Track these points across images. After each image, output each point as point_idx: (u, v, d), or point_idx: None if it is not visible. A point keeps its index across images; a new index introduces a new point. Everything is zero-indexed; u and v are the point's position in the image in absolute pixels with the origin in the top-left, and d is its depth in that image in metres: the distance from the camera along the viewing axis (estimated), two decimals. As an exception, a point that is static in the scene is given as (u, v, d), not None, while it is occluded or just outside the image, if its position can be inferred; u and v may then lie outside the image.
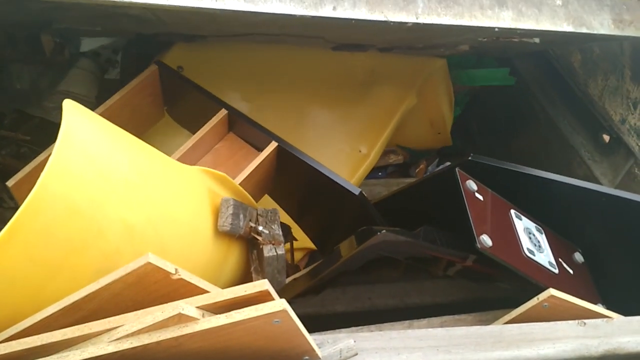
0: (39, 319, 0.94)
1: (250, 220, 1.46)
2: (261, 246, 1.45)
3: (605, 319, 1.37)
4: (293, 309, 0.95)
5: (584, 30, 1.74)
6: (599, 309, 1.42)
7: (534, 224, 1.67)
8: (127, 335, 0.90)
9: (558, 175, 1.69)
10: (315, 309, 1.60)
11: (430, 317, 1.53)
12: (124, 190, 1.13)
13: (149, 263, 0.93)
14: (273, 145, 1.66)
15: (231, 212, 1.40)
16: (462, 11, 1.60)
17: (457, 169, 1.56)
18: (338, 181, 1.60)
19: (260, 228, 1.44)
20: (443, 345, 1.25)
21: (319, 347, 1.12)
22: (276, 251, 1.44)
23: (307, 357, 1.09)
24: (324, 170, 1.62)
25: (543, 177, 1.69)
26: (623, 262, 1.80)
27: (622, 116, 2.05)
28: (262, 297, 0.99)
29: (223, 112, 1.73)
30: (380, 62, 2.30)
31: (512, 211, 1.64)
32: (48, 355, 0.90)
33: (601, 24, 1.77)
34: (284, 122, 2.15)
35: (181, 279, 0.97)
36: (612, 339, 1.33)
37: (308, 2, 1.43)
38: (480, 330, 1.31)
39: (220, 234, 1.40)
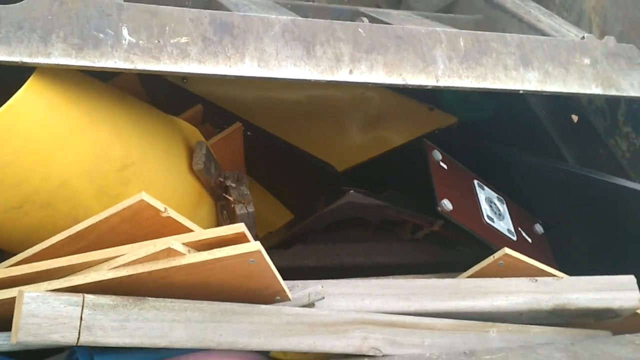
0: (46, 245, 1.06)
1: (219, 176, 1.57)
2: (232, 205, 1.56)
3: (555, 278, 1.52)
4: (265, 260, 1.09)
5: (613, 92, 1.63)
6: (551, 269, 1.56)
7: (496, 195, 1.81)
8: (124, 265, 1.03)
9: (523, 152, 1.82)
10: (287, 262, 1.72)
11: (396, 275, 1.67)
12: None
13: (142, 200, 1.05)
14: (237, 125, 1.78)
15: (204, 152, 1.51)
16: (485, 72, 1.50)
17: (424, 139, 1.68)
18: (314, 154, 1.72)
19: (229, 183, 1.55)
20: (404, 293, 1.38)
21: (290, 290, 1.25)
22: (247, 209, 1.56)
23: (278, 297, 1.22)
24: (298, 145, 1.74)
25: (510, 153, 1.82)
26: (582, 235, 1.95)
27: (589, 97, 2.17)
28: (239, 239, 1.11)
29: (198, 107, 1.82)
30: (391, 102, 2.13)
31: (476, 181, 1.78)
32: (55, 279, 1.02)
33: (631, 85, 1.65)
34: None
35: (169, 217, 1.09)
36: (561, 295, 1.47)
37: (324, 66, 1.37)
38: (438, 282, 1.45)
39: (194, 175, 1.51)
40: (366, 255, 1.82)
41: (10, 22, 1.15)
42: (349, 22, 1.51)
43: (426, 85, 1.45)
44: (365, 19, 1.64)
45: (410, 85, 1.43)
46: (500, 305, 1.44)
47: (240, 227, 1.09)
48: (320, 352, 1.17)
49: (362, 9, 2.01)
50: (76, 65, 1.18)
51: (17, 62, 1.14)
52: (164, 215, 1.09)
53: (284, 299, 1.23)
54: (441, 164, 1.68)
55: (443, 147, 1.75)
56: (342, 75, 1.38)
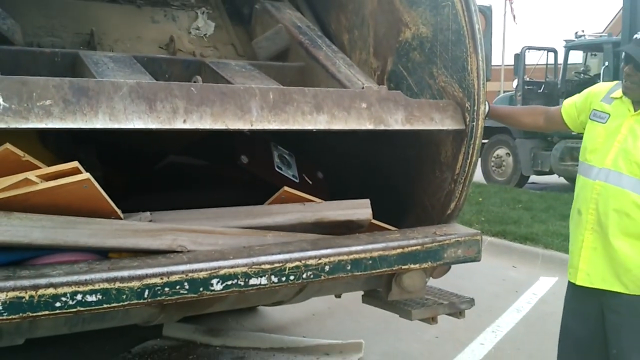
0: None
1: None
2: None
3: (317, 202, 2.20)
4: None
5: (382, 127, 2.09)
6: (315, 198, 2.24)
7: (287, 152, 2.49)
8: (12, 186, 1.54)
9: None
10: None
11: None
12: None
13: (7, 148, 1.56)
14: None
15: None
16: (287, 117, 1.92)
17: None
18: None
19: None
20: (213, 217, 1.98)
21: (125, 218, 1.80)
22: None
23: (113, 217, 1.77)
24: None
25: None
26: (351, 177, 2.69)
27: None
28: (75, 172, 1.65)
29: None
30: None
31: (272, 143, 2.44)
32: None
33: (396, 121, 2.13)
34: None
35: (28, 160, 1.61)
36: (320, 212, 2.15)
37: (163, 117, 1.72)
38: (239, 209, 2.06)
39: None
40: (198, 199, 2.38)
41: None
42: (184, 82, 1.92)
43: (243, 129, 1.85)
44: (199, 78, 2.16)
45: (231, 129, 1.82)
46: (278, 220, 2.10)
47: (75, 164, 1.63)
48: (141, 249, 1.74)
49: (207, 60, 2.44)
50: None
51: None
52: (24, 159, 1.61)
53: (118, 217, 1.78)
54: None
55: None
56: (178, 124, 1.74)
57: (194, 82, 2.09)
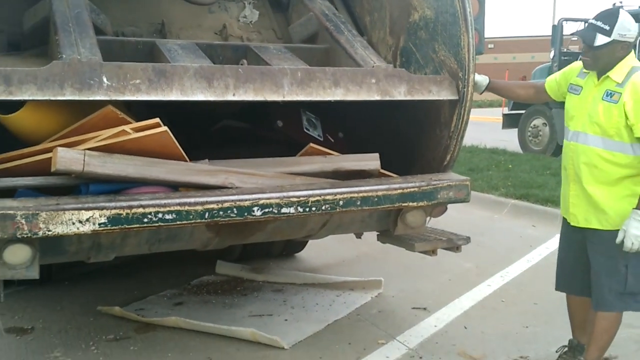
0: (60, 134, 2.19)
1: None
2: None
3: (336, 155, 2.77)
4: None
5: (387, 98, 2.61)
6: (335, 152, 2.81)
7: (314, 115, 3.06)
8: (102, 139, 2.17)
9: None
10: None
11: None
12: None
13: (109, 108, 2.20)
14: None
15: None
16: (311, 91, 2.47)
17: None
18: None
19: None
20: (254, 165, 2.59)
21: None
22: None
23: (183, 161, 2.40)
24: None
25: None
26: (366, 136, 3.24)
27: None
28: (157, 126, 2.27)
29: None
30: None
31: (302, 109, 3.02)
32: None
33: (399, 93, 2.64)
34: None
35: (123, 117, 2.25)
36: (338, 163, 2.73)
37: (218, 92, 2.31)
38: (274, 159, 2.66)
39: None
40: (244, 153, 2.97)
41: (43, 76, 2.12)
42: (234, 65, 2.53)
43: (277, 100, 2.45)
44: (245, 61, 2.72)
45: (268, 100, 2.43)
46: (305, 169, 2.69)
47: (156, 120, 2.25)
48: (202, 184, 2.36)
49: (252, 45, 3.01)
50: (79, 99, 2.12)
51: (45, 99, 2.09)
52: (120, 116, 2.24)
53: (185, 160, 2.40)
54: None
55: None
56: (229, 96, 2.35)
57: (241, 64, 2.68)
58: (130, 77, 2.21)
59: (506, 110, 11.63)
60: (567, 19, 10.15)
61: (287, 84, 2.45)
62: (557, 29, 10.01)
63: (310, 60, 3.00)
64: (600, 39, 2.52)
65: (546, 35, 11.73)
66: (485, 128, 13.45)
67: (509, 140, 11.07)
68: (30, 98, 2.10)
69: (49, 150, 2.18)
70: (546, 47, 12.43)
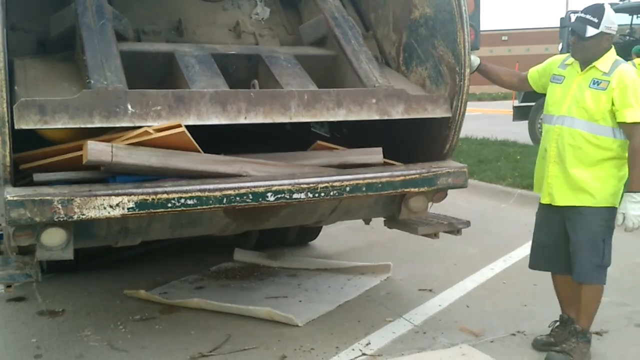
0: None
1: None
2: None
3: (343, 149, 2.99)
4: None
5: (385, 117, 2.85)
6: (341, 147, 3.02)
7: None
8: (131, 137, 2.42)
9: None
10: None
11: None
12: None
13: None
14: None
15: None
16: (316, 113, 2.73)
17: None
18: None
19: None
20: (270, 159, 2.80)
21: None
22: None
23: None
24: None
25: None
26: (371, 131, 3.44)
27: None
28: (178, 126, 2.50)
29: None
30: None
31: None
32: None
33: (397, 112, 2.87)
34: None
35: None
36: (343, 158, 2.95)
37: (231, 115, 2.57)
38: (290, 153, 2.89)
39: None
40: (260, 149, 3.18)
41: (74, 105, 2.34)
42: (246, 90, 2.72)
43: (285, 122, 2.70)
44: (256, 82, 2.89)
45: (276, 122, 2.66)
46: (313, 162, 2.92)
47: (178, 122, 2.48)
48: (219, 172, 2.59)
49: (263, 54, 3.12)
50: (107, 126, 2.38)
51: (76, 127, 2.33)
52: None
53: (199, 151, 2.64)
54: None
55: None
56: (241, 119, 2.60)
57: (252, 85, 2.88)
58: (152, 104, 2.46)
59: (516, 103, 11.72)
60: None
61: (295, 106, 2.69)
62: (564, 21, 10.10)
63: (318, 69, 3.19)
64: (590, 31, 2.72)
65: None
66: (498, 120, 13.57)
67: (520, 132, 11.17)
68: (64, 126, 2.34)
69: (80, 147, 2.43)
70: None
